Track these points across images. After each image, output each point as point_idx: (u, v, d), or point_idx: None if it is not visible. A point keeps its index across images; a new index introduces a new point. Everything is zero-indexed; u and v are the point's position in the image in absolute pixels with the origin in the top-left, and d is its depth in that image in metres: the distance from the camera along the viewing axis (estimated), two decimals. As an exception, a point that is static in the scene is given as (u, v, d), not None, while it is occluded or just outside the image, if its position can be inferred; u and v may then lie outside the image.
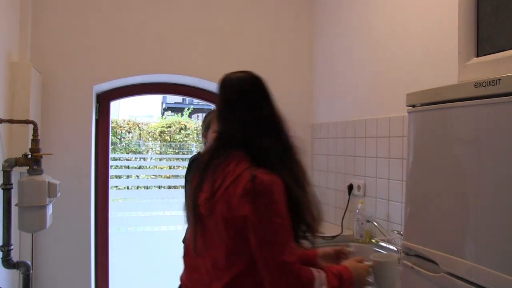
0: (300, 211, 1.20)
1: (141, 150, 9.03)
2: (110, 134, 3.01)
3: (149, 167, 8.37)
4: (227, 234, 1.15)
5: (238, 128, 1.25)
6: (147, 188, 7.08)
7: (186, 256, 1.35)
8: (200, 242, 1.24)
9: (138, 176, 8.08)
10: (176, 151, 8.70)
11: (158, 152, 8.92)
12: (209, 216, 1.20)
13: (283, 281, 1.11)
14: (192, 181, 1.30)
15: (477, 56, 1.24)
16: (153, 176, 7.40)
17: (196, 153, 2.40)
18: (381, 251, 2.06)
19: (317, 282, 1.15)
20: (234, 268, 1.15)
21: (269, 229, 1.11)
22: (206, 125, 2.10)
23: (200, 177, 1.25)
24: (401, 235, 1.77)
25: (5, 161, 1.98)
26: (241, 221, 1.13)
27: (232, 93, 1.29)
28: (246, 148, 1.22)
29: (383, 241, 2.08)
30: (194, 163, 1.51)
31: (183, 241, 1.76)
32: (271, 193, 1.13)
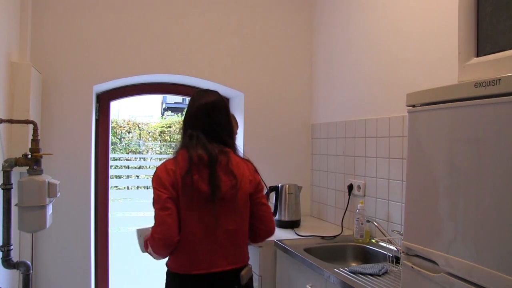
0: None
1: (141, 150, 9.02)
2: (110, 134, 3.01)
3: (149, 167, 8.36)
4: (246, 207, 1.65)
5: (221, 132, 1.66)
6: (147, 188, 7.07)
7: (198, 243, 1.58)
8: (222, 220, 1.59)
9: (138, 176, 8.07)
10: (176, 151, 8.67)
11: (158, 152, 8.91)
12: (233, 198, 1.60)
13: (272, 219, 1.75)
14: (193, 175, 1.56)
15: (477, 56, 1.24)
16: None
17: None
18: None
19: None
20: (247, 231, 1.69)
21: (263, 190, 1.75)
22: None
23: (214, 172, 1.57)
24: (401, 235, 1.77)
25: (5, 161, 1.98)
26: (256, 186, 1.67)
27: (216, 108, 1.69)
28: (228, 146, 1.66)
29: (383, 241, 2.08)
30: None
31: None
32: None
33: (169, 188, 1.53)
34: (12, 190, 1.99)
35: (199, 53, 2.91)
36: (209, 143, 1.60)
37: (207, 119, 1.65)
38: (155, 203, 1.55)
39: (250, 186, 1.65)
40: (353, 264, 2.18)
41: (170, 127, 9.01)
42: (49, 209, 2.06)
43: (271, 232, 1.74)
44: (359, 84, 2.58)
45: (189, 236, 1.56)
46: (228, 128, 1.70)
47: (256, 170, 1.70)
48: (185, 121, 1.70)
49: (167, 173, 1.56)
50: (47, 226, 2.04)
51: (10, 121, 2.06)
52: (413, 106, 1.27)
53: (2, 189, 1.96)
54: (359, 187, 2.48)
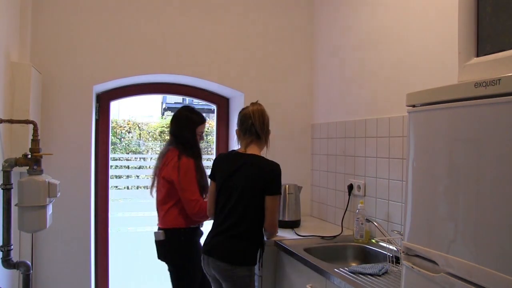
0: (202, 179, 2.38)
1: (141, 150, 9.02)
2: (110, 134, 3.01)
3: (149, 167, 8.36)
4: (164, 186, 2.35)
5: (176, 139, 2.43)
6: (147, 188, 7.06)
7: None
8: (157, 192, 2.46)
9: (138, 176, 8.07)
10: (176, 151, 8.67)
11: (158, 152, 8.89)
12: (158, 179, 2.40)
13: (194, 208, 2.29)
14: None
15: (477, 56, 1.24)
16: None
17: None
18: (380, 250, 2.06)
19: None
20: (168, 203, 2.35)
21: (185, 183, 2.29)
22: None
23: (158, 161, 2.46)
24: (401, 235, 1.77)
25: (5, 161, 1.98)
26: (171, 180, 2.31)
27: (175, 120, 2.49)
28: (177, 146, 2.38)
29: (383, 241, 2.08)
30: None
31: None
32: (187, 166, 2.31)
33: None
34: (12, 190, 1.99)
35: (199, 53, 2.91)
36: (168, 145, 2.46)
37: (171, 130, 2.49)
38: None
39: (167, 174, 2.31)
40: (353, 264, 2.18)
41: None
42: (49, 209, 2.06)
43: (189, 211, 2.31)
44: (359, 84, 2.58)
45: None
46: (179, 135, 2.40)
47: (178, 167, 2.29)
48: None
49: None
50: (47, 226, 2.04)
51: (10, 121, 2.06)
52: (413, 106, 1.27)
53: (2, 189, 1.96)
54: (359, 187, 2.48)
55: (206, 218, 2.32)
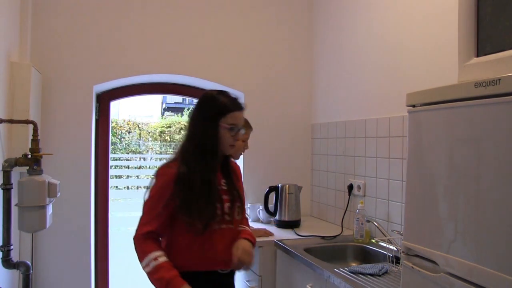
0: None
1: (141, 150, 9.02)
2: (110, 134, 3.01)
3: (149, 167, 8.37)
4: None
5: None
6: (147, 188, 7.08)
7: None
8: None
9: (138, 176, 8.07)
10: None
11: (158, 152, 8.92)
12: None
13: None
14: None
15: (477, 56, 1.24)
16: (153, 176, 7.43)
17: None
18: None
19: (148, 257, 1.61)
20: None
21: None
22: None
23: None
24: (401, 235, 1.77)
25: (5, 161, 1.98)
26: None
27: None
28: None
29: (383, 241, 2.08)
30: None
31: None
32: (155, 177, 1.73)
33: None
34: (12, 190, 1.99)
35: (199, 53, 2.91)
36: None
37: None
38: None
39: None
40: (353, 264, 2.18)
41: (170, 127, 9.01)
42: (49, 209, 2.06)
43: None
44: (359, 84, 2.58)
45: None
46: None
47: None
48: None
49: None
50: (47, 226, 2.04)
51: (10, 121, 2.06)
52: (413, 106, 1.27)
53: (2, 189, 1.96)
54: (359, 187, 2.48)
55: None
